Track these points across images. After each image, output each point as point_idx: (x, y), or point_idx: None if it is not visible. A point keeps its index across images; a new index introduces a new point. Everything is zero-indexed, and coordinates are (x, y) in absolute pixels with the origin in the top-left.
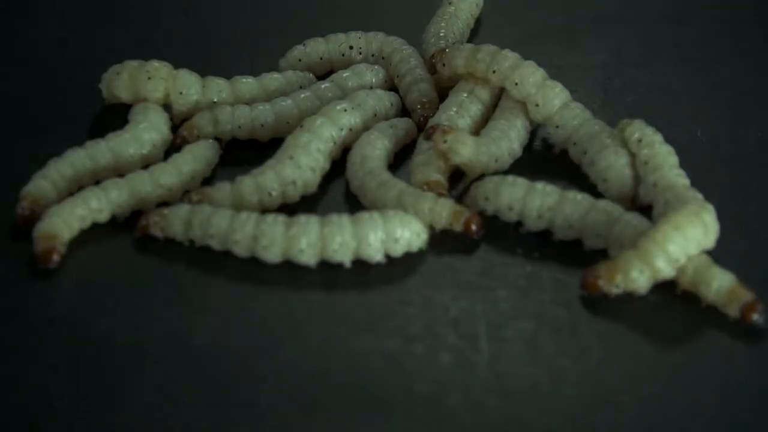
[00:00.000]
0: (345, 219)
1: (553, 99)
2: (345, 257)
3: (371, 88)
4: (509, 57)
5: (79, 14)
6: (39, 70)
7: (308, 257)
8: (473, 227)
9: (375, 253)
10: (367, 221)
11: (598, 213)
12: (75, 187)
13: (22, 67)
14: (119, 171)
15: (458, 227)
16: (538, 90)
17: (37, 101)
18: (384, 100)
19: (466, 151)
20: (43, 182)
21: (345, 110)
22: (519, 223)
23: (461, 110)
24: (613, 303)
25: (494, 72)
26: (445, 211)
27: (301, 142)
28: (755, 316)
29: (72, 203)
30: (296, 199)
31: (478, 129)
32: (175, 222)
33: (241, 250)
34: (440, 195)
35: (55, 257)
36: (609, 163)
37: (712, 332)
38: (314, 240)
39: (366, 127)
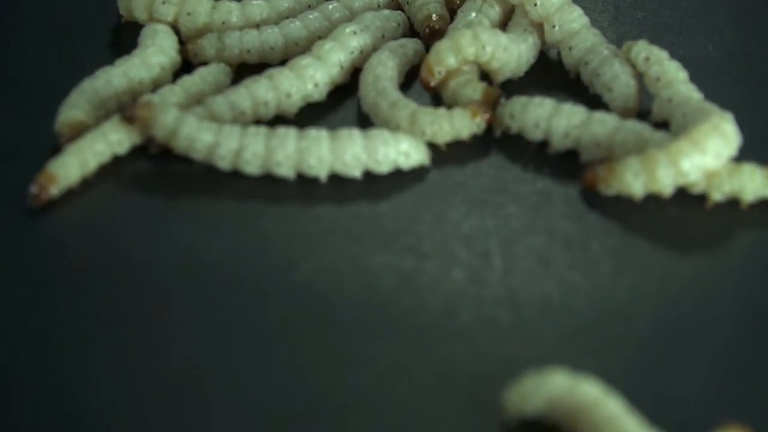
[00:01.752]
0: (324, 134)
1: (571, 22)
2: (321, 172)
3: (379, 7)
4: None
5: None
6: None
7: (286, 171)
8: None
9: (352, 170)
10: (346, 138)
11: (627, 132)
12: (102, 113)
13: None
14: (133, 94)
15: (477, 124)
16: (557, 11)
17: (55, 17)
18: (391, 21)
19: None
20: (74, 111)
21: (354, 33)
22: (541, 145)
23: (480, 15)
24: (624, 218)
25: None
26: (464, 120)
27: (300, 65)
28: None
29: (90, 139)
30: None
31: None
32: (163, 124)
33: (225, 163)
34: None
35: (43, 196)
36: (615, 73)
37: (724, 248)
38: (291, 153)
39: (375, 49)
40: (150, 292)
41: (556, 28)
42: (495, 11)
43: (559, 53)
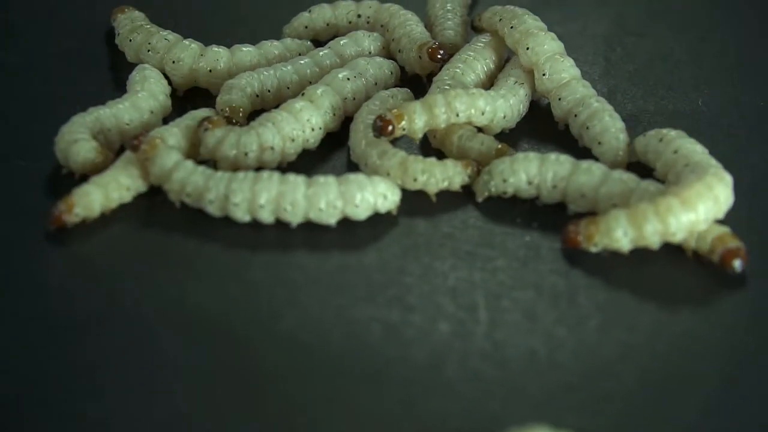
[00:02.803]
0: (301, 179)
1: (561, 72)
2: (294, 218)
3: (370, 53)
4: (529, 21)
5: None
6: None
7: (267, 215)
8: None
9: (328, 218)
10: (321, 184)
11: (614, 182)
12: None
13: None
14: (122, 136)
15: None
16: (547, 61)
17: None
18: (384, 69)
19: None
20: (89, 146)
21: (348, 78)
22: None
23: (466, 66)
24: (612, 273)
25: (511, 28)
26: (456, 168)
27: (294, 108)
28: (736, 263)
29: (116, 175)
30: (272, 164)
31: (485, 87)
32: (161, 164)
33: (214, 208)
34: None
35: (59, 221)
36: (604, 126)
37: (711, 302)
38: (273, 197)
39: (367, 96)
40: (136, 338)
41: (546, 76)
42: (484, 63)
43: (548, 102)
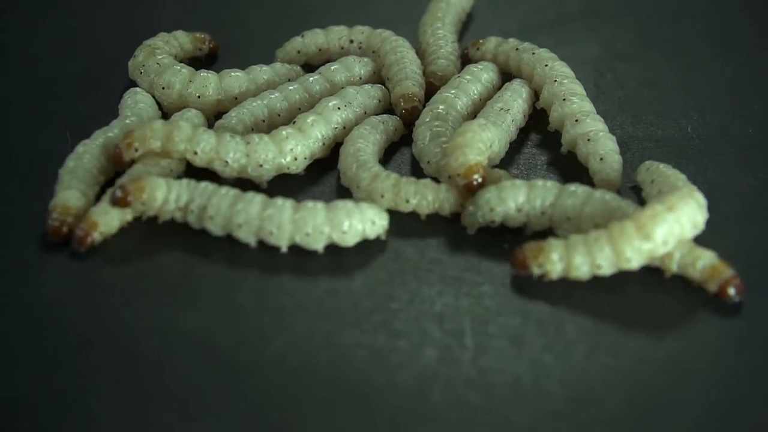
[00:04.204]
0: (288, 203)
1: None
2: (282, 242)
3: (360, 79)
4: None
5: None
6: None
7: (245, 234)
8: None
9: (315, 243)
10: (309, 209)
11: (595, 203)
12: (97, 188)
13: None
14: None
15: (462, 181)
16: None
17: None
18: (372, 97)
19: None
20: (70, 191)
21: (338, 108)
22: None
23: (459, 92)
24: (598, 299)
25: (533, 54)
26: (448, 192)
27: (280, 136)
28: (731, 291)
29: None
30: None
31: (476, 111)
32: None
33: (193, 218)
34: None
35: (86, 242)
36: (608, 149)
37: (696, 327)
38: (253, 218)
39: (356, 123)
40: (126, 362)
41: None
42: (475, 88)
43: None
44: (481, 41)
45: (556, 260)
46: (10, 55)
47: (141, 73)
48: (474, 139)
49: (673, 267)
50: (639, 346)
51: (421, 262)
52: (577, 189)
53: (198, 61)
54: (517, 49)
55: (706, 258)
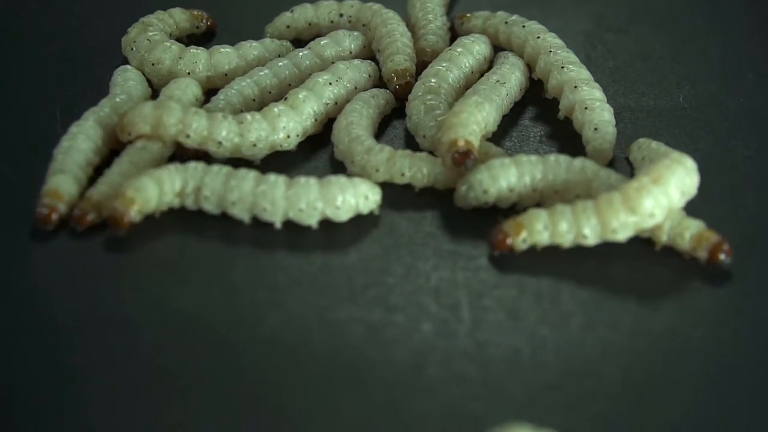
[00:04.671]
0: (281, 179)
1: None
2: (276, 218)
3: (350, 53)
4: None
5: None
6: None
7: (239, 211)
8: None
9: (308, 219)
10: (302, 185)
11: (574, 172)
12: (90, 170)
13: None
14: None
15: (448, 160)
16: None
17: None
18: (363, 72)
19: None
20: (62, 176)
21: (330, 83)
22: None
23: (450, 64)
24: (594, 270)
25: (523, 27)
26: (444, 166)
27: (272, 113)
28: (722, 256)
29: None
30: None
31: (469, 83)
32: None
33: (190, 201)
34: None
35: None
36: (604, 119)
37: (691, 298)
38: (246, 194)
39: (347, 99)
40: (119, 341)
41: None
42: (467, 60)
43: None
44: (467, 15)
45: (541, 229)
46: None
47: (132, 49)
48: (468, 120)
49: (663, 238)
50: (635, 318)
51: (415, 237)
52: (558, 158)
53: (195, 39)
54: (506, 22)
55: (693, 227)
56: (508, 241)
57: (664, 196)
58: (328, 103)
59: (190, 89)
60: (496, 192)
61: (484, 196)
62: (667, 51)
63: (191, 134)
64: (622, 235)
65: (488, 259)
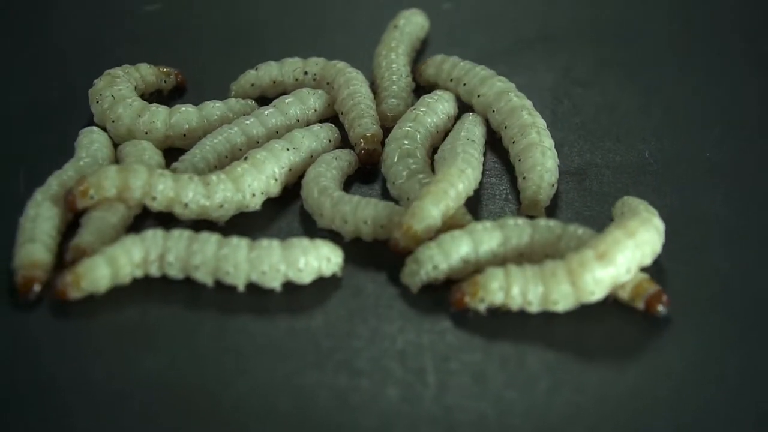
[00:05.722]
0: (243, 242)
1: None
2: (238, 281)
3: (315, 111)
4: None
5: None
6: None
7: (202, 275)
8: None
9: (271, 281)
10: (264, 248)
11: (541, 231)
12: (59, 237)
13: None
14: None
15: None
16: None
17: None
18: (321, 138)
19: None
20: (33, 245)
21: (287, 149)
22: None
23: (416, 124)
24: (558, 331)
25: (464, 85)
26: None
27: (236, 173)
28: (660, 307)
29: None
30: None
31: (435, 142)
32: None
33: (154, 269)
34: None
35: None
36: (534, 162)
37: (656, 357)
38: (209, 258)
39: (303, 167)
40: (81, 409)
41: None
42: (432, 120)
43: None
44: (420, 67)
45: (496, 289)
46: None
47: (97, 102)
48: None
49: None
50: (601, 380)
51: (380, 298)
52: (518, 220)
53: (165, 95)
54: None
55: (633, 277)
56: (466, 299)
57: (638, 249)
58: (284, 167)
59: (147, 152)
60: (448, 267)
61: (435, 272)
62: (632, 104)
63: (158, 196)
64: (563, 307)
65: (453, 321)
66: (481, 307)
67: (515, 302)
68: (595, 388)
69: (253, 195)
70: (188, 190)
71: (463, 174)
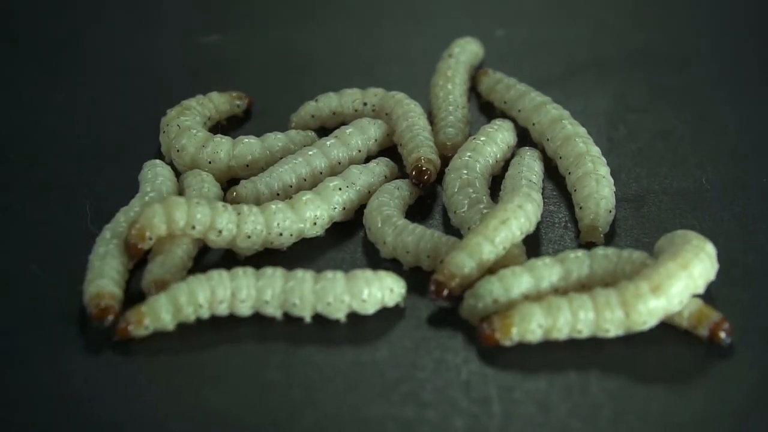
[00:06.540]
0: (308, 275)
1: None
2: (305, 312)
3: (375, 140)
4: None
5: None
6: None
7: (272, 309)
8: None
9: (336, 312)
10: (329, 279)
11: (599, 260)
12: (127, 275)
13: None
14: None
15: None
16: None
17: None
18: (377, 174)
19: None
20: (103, 281)
21: (339, 188)
22: None
23: (475, 153)
24: (621, 358)
25: (519, 111)
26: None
27: (269, 210)
28: (722, 335)
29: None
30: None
31: (495, 171)
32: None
33: (223, 308)
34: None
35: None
36: (590, 191)
37: (719, 384)
38: (278, 292)
39: (360, 203)
40: None
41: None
42: (492, 149)
43: None
44: (483, 75)
45: (535, 328)
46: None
47: (164, 132)
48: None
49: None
50: (664, 408)
51: (443, 328)
52: (578, 253)
53: (237, 120)
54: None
55: (691, 304)
56: (497, 335)
57: (662, 304)
58: (335, 208)
59: (206, 184)
60: (508, 301)
61: (495, 306)
62: (687, 130)
63: (196, 225)
64: (612, 335)
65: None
66: (511, 344)
67: (562, 333)
68: (659, 417)
69: (315, 223)
70: (223, 218)
71: (521, 209)
